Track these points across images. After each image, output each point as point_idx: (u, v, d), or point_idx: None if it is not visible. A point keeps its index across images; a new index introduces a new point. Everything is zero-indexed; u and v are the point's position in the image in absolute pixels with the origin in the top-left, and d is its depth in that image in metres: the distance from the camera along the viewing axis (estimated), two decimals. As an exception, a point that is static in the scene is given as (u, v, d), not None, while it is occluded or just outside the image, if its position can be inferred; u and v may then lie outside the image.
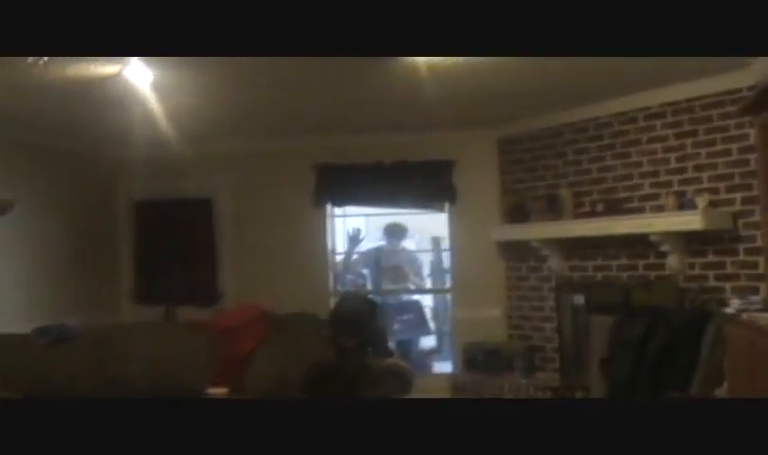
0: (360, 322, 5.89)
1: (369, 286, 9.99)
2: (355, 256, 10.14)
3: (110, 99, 6.36)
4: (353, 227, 10.22)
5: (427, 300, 10.62)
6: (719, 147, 6.44)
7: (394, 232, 10.15)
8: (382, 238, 10.35)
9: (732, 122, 6.32)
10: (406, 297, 10.33)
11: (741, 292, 5.80)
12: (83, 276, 8.60)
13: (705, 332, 5.51)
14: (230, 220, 9.19)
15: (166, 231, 9.22)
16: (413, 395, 5.93)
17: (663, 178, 6.86)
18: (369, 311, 6.05)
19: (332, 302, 8.69)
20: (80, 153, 8.55)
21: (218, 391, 5.67)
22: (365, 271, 10.17)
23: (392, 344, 9.31)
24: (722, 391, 5.18)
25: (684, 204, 6.57)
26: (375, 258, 10.09)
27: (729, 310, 5.32)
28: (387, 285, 10.08)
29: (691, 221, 6.34)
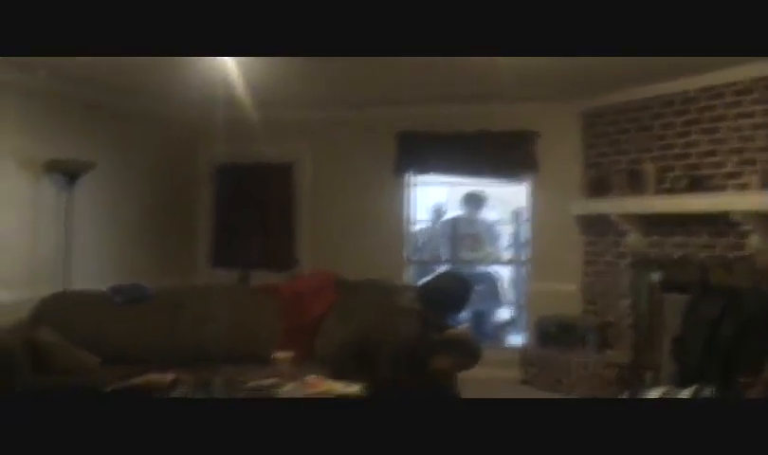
0: (453, 303, 5.84)
1: (445, 256, 9.94)
2: (433, 225, 10.11)
3: (192, 63, 6.40)
4: (437, 202, 10.19)
5: (505, 272, 10.54)
6: (807, 125, 6.21)
7: (472, 202, 10.07)
8: (460, 207, 10.28)
9: (821, 100, 6.10)
10: (481, 267, 10.27)
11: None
12: (162, 238, 8.77)
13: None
14: (310, 186, 9.23)
15: (245, 196, 9.31)
16: (481, 368, 5.87)
17: (747, 156, 6.64)
18: (464, 293, 5.98)
19: (406, 271, 8.71)
20: (161, 117, 8.69)
21: (284, 356, 5.65)
22: (442, 240, 10.13)
23: (466, 314, 9.28)
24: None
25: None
26: (453, 227, 10.03)
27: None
28: (463, 254, 10.00)
29: (774, 201, 6.13)
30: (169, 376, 5.09)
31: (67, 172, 7.31)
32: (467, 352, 5.80)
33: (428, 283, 6.15)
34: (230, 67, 6.58)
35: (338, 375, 5.29)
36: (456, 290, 5.88)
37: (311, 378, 5.13)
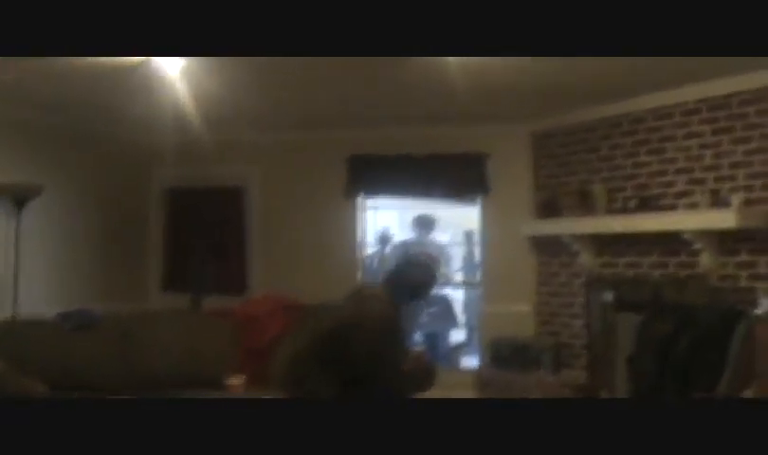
0: (419, 291, 5.78)
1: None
2: (385, 250, 10.08)
3: (140, 84, 6.33)
4: (382, 227, 10.15)
5: (458, 294, 10.53)
6: (755, 144, 6.26)
7: (423, 224, 10.06)
8: (411, 230, 10.27)
9: (769, 119, 6.17)
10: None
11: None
12: (112, 262, 8.65)
13: (735, 332, 5.39)
14: (261, 209, 9.17)
15: (196, 220, 9.21)
16: (435, 390, 5.84)
17: (697, 175, 6.70)
18: (429, 279, 5.91)
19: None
20: (111, 139, 8.58)
21: (238, 381, 5.61)
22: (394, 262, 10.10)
23: (419, 337, 9.26)
24: (750, 393, 5.07)
25: (718, 201, 6.42)
26: (404, 250, 10.01)
27: (760, 310, 5.21)
28: (415, 278, 9.95)
29: (725, 219, 6.16)
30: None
31: (14, 198, 7.20)
32: (424, 374, 5.77)
33: (391, 273, 6.09)
34: (180, 89, 6.51)
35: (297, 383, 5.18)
36: (420, 277, 5.82)
37: (267, 402, 5.06)
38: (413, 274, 5.62)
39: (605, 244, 7.45)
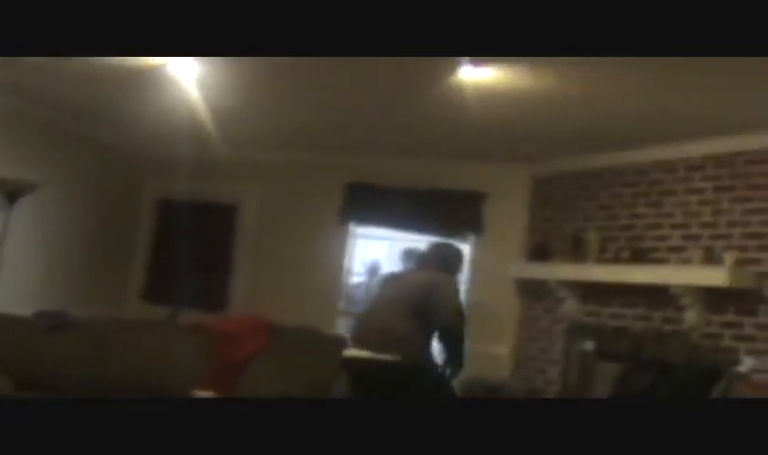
0: (460, 267, 6.10)
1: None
2: (371, 281, 9.98)
3: (145, 94, 6.30)
4: (372, 259, 10.05)
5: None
6: (754, 204, 6.14)
7: (410, 258, 9.92)
8: (398, 263, 10.16)
9: (771, 181, 6.05)
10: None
11: (758, 354, 5.53)
12: (96, 266, 8.64)
13: (713, 390, 5.27)
14: (253, 229, 9.11)
15: (186, 233, 9.09)
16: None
17: (693, 231, 6.57)
18: (462, 257, 6.20)
19: (339, 322, 8.54)
20: (109, 144, 8.60)
21: (204, 396, 5.51)
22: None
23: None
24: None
25: (710, 259, 6.28)
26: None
27: (741, 369, 5.10)
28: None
29: (715, 277, 6.05)
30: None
31: (7, 192, 7.12)
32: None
33: (436, 253, 6.09)
34: (186, 102, 6.46)
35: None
36: (459, 255, 6.12)
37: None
38: (453, 253, 6.05)
39: (592, 292, 7.29)
